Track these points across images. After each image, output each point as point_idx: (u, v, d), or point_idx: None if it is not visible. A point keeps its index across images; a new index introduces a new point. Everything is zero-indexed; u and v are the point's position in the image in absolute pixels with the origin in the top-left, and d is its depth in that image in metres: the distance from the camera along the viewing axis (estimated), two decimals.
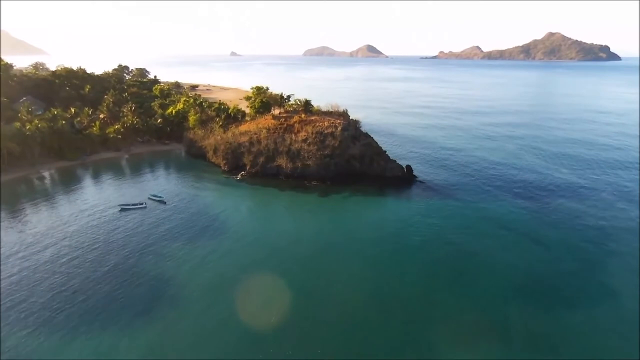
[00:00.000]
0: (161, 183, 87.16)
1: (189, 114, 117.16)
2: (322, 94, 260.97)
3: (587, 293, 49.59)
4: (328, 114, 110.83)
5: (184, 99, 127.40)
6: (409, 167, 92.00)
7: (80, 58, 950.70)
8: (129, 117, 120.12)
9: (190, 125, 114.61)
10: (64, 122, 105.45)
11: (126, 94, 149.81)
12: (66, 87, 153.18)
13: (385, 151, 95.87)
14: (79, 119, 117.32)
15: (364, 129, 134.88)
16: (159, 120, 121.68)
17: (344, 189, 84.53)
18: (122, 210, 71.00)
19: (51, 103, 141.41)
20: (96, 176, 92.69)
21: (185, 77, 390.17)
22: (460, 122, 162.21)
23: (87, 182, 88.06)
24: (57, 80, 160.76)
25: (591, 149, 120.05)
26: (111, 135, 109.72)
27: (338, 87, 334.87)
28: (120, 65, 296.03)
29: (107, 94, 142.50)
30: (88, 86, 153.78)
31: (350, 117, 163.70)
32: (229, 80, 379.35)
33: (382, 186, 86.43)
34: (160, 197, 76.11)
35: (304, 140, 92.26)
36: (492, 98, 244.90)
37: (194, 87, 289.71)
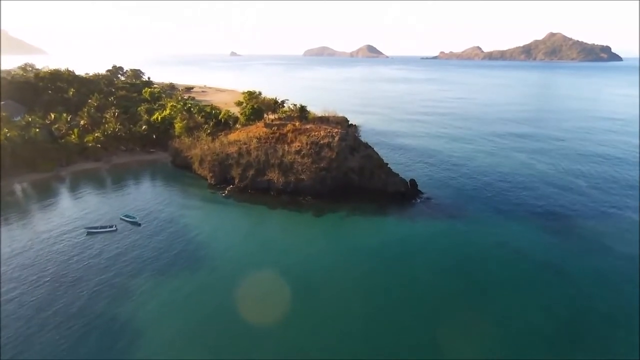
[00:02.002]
0: (138, 200, 78.76)
1: (175, 121, 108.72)
2: (320, 96, 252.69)
3: (625, 344, 41.31)
4: (325, 120, 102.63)
5: (171, 104, 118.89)
6: (413, 181, 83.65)
7: (79, 58, 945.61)
8: (112, 123, 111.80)
9: (176, 133, 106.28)
10: (37, 129, 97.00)
11: (112, 97, 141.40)
12: (49, 90, 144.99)
13: (387, 163, 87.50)
14: (57, 125, 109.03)
15: (363, 135, 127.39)
16: (144, 127, 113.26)
17: (341, 206, 76.23)
18: (88, 234, 62.69)
19: (33, 108, 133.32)
20: (69, 191, 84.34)
21: (182, 78, 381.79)
22: (465, 128, 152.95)
23: (57, 199, 79.67)
24: (40, 83, 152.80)
25: (606, 160, 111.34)
26: (90, 145, 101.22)
27: (337, 89, 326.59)
28: (114, 66, 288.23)
29: (91, 98, 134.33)
30: (72, 89, 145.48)
31: (349, 122, 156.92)
32: (226, 81, 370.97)
33: (384, 203, 78.11)
34: (133, 217, 67.76)
35: (298, 152, 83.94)
36: (496, 102, 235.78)
37: (189, 89, 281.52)
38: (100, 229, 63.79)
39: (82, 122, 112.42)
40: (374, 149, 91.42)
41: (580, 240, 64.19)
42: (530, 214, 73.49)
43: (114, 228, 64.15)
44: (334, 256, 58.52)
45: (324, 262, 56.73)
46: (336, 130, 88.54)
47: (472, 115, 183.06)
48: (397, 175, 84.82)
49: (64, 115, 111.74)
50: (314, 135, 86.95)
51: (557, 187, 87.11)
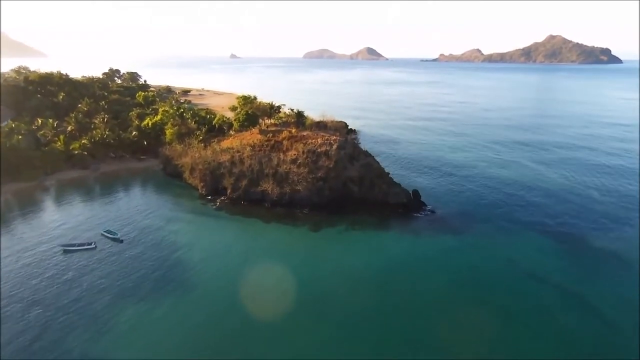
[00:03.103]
0: (123, 212, 73.89)
1: (166, 127, 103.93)
2: (319, 100, 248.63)
3: None
4: (323, 127, 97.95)
5: (163, 108, 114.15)
6: (415, 192, 78.87)
7: (78, 60, 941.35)
8: (100, 129, 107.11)
9: (167, 140, 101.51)
10: (20, 136, 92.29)
11: (103, 102, 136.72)
12: (38, 94, 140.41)
13: (388, 173, 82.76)
14: (42, 131, 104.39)
15: (362, 141, 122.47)
16: (134, 134, 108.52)
17: (340, 219, 71.47)
18: (64, 252, 57.84)
19: (21, 113, 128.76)
20: (51, 202, 79.57)
21: (180, 81, 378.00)
22: (468, 134, 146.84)
23: (37, 211, 74.78)
24: (30, 87, 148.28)
25: (617, 171, 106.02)
26: (76, 152, 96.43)
27: (336, 92, 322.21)
28: (110, 69, 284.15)
29: (81, 103, 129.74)
30: (62, 93, 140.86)
31: (349, 127, 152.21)
32: (225, 84, 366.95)
33: (385, 216, 73.38)
34: (114, 234, 62.88)
35: (294, 161, 79.20)
36: (498, 106, 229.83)
37: (186, 92, 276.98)
38: (77, 246, 58.94)
39: (69, 128, 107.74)
40: (374, 157, 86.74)
41: (596, 260, 59.34)
42: (540, 229, 68.67)
43: (92, 245, 59.29)
44: (332, 277, 53.68)
45: (321, 284, 51.92)
46: (334, 137, 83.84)
47: (474, 121, 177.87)
48: (399, 185, 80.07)
49: (50, 120, 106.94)
50: (311, 143, 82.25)
51: (568, 200, 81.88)
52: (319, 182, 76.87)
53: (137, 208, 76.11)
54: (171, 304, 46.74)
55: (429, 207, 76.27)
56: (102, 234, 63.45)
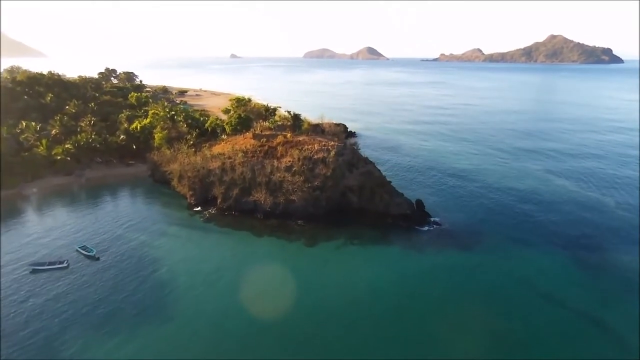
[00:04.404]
0: (104, 224, 68.42)
1: (155, 131, 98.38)
2: (318, 101, 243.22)
3: None
4: (320, 131, 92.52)
5: (153, 111, 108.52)
6: (419, 202, 73.33)
7: (78, 60, 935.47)
8: (87, 132, 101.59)
9: (156, 144, 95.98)
10: None
11: (92, 103, 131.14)
12: (25, 95, 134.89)
13: (390, 181, 77.27)
14: (25, 135, 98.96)
15: (362, 145, 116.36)
16: (121, 137, 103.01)
17: (338, 232, 66.02)
18: (33, 271, 52.42)
19: (6, 115, 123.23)
20: (27, 213, 74.17)
21: (178, 81, 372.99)
22: (472, 140, 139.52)
23: (11, 224, 69.09)
24: (18, 88, 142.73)
25: (633, 180, 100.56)
26: (58, 157, 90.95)
27: (336, 93, 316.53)
28: (107, 69, 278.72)
29: (68, 104, 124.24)
30: (50, 94, 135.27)
31: (348, 129, 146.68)
32: (223, 84, 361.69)
33: (386, 229, 67.91)
34: (90, 250, 57.43)
35: (288, 169, 73.71)
36: (502, 109, 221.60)
37: (182, 92, 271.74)
38: (48, 265, 53.54)
39: (53, 132, 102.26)
40: (375, 163, 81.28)
41: (618, 279, 53.93)
42: (555, 243, 63.26)
43: (64, 264, 53.86)
44: (329, 301, 48.39)
45: (317, 310, 46.70)
46: (332, 143, 78.35)
47: (478, 125, 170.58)
48: (402, 195, 74.54)
49: (33, 123, 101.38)
50: (307, 149, 76.77)
51: (582, 212, 75.60)
52: (315, 191, 71.43)
53: (119, 220, 70.62)
54: (146, 337, 41.33)
55: (434, 218, 70.75)
56: (77, 250, 58.01)
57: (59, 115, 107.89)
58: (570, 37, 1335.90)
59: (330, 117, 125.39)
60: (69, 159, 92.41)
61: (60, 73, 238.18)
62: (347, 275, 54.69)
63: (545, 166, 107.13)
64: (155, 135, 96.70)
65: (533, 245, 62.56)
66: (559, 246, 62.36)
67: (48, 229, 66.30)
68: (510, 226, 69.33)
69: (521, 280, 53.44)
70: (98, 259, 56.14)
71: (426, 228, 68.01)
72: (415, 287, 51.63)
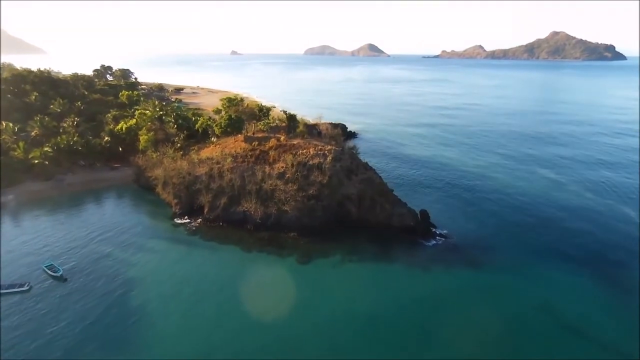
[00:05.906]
0: (78, 236, 62.36)
1: (140, 132, 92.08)
2: (317, 100, 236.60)
3: None
4: (317, 134, 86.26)
5: (140, 110, 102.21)
6: (424, 213, 67.08)
7: (77, 57, 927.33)
8: (69, 134, 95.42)
9: (142, 147, 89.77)
10: None
11: (79, 102, 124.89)
12: (9, 94, 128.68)
13: (392, 190, 71.06)
14: (3, 137, 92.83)
15: (362, 147, 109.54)
16: (106, 139, 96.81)
17: (334, 247, 59.94)
18: None
19: None
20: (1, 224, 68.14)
21: (175, 78, 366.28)
22: (478, 143, 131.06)
23: None
24: (2, 86, 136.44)
25: None
26: (36, 161, 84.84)
27: (336, 91, 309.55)
28: (102, 66, 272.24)
29: (53, 104, 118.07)
30: (36, 93, 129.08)
31: (348, 129, 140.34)
32: (221, 82, 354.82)
33: (388, 243, 61.70)
34: (57, 270, 51.36)
35: (281, 176, 67.52)
36: (508, 110, 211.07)
37: (178, 90, 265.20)
38: (7, 288, 47.59)
39: (33, 133, 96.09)
40: (375, 170, 75.06)
41: None
42: (576, 260, 57.17)
43: (26, 287, 47.89)
44: (325, 328, 42.50)
45: (310, 336, 40.94)
46: (329, 147, 72.02)
47: (483, 127, 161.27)
48: (405, 204, 68.30)
49: (11, 124, 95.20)
50: (302, 153, 70.50)
51: (603, 225, 69.03)
52: (310, 200, 65.26)
53: (95, 231, 64.52)
54: None
55: (440, 231, 64.59)
56: (43, 269, 51.99)
57: (39, 115, 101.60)
58: (572, 34, 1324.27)
59: (329, 116, 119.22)
60: (47, 163, 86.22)
61: (56, 70, 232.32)
62: (344, 299, 48.61)
63: (558, 172, 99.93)
64: (141, 138, 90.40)
65: (551, 262, 56.44)
66: (582, 264, 56.25)
67: (15, 243, 60.26)
68: (524, 238, 63.20)
69: (539, 302, 47.60)
70: (65, 280, 50.15)
71: (432, 242, 61.87)
72: (420, 315, 45.66)
